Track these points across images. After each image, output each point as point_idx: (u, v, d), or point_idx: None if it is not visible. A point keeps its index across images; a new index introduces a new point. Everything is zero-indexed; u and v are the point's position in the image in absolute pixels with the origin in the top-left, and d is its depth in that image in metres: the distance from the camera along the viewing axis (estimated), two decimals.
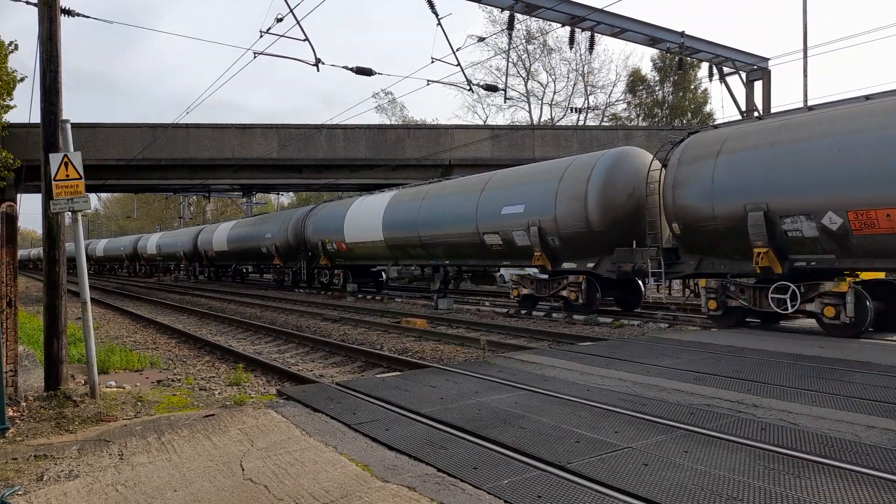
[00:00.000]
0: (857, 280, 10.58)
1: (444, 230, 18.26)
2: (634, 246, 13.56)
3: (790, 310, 10.67)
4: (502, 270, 17.98)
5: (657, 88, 45.91)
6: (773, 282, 10.88)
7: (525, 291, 16.40)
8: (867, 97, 10.27)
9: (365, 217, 22.27)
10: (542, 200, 15.01)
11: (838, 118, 10.13)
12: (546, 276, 15.82)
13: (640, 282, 13.97)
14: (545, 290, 15.75)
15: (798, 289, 10.58)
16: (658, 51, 29.38)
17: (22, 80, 21.53)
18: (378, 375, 7.44)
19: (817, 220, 10.00)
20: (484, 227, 16.64)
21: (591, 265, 14.58)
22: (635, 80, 46.51)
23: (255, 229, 31.47)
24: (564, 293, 15.13)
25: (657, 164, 13.32)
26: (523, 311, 16.28)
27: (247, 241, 32.11)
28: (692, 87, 44.22)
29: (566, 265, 15.14)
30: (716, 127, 12.55)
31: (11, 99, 21.63)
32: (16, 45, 21.01)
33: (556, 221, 14.72)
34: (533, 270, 16.58)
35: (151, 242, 49.11)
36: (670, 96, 45.39)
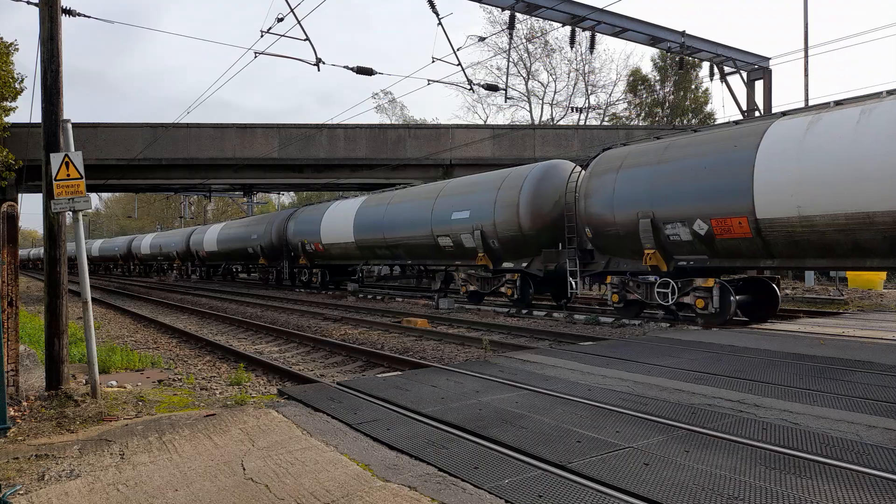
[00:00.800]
0: (731, 278, 12.64)
1: (405, 233, 20.24)
2: (560, 248, 15.41)
3: (670, 302, 12.73)
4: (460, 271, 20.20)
5: (658, 88, 45.86)
6: (661, 278, 13.00)
7: (472, 288, 18.43)
8: (736, 122, 12.38)
9: (339, 220, 24.18)
10: (484, 208, 17.04)
11: (710, 140, 12.05)
12: (489, 275, 17.73)
13: (572, 280, 15.52)
14: (488, 287, 17.85)
15: (676, 284, 12.64)
16: (658, 50, 29.37)
17: (22, 80, 21.55)
18: (379, 375, 7.44)
19: (690, 227, 11.97)
20: (438, 230, 18.68)
21: (524, 265, 16.61)
22: (636, 80, 46.48)
23: (243, 231, 33.13)
24: (503, 289, 17.19)
25: (575, 177, 15.49)
26: (471, 305, 18.38)
27: (235, 242, 33.69)
28: (693, 86, 44.18)
29: (505, 265, 17.11)
30: (624, 144, 14.43)
31: (14, 101, 21.68)
32: (16, 46, 21.03)
33: (495, 226, 16.73)
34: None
35: (145, 243, 50.53)
36: (671, 96, 45.34)
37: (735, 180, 11.11)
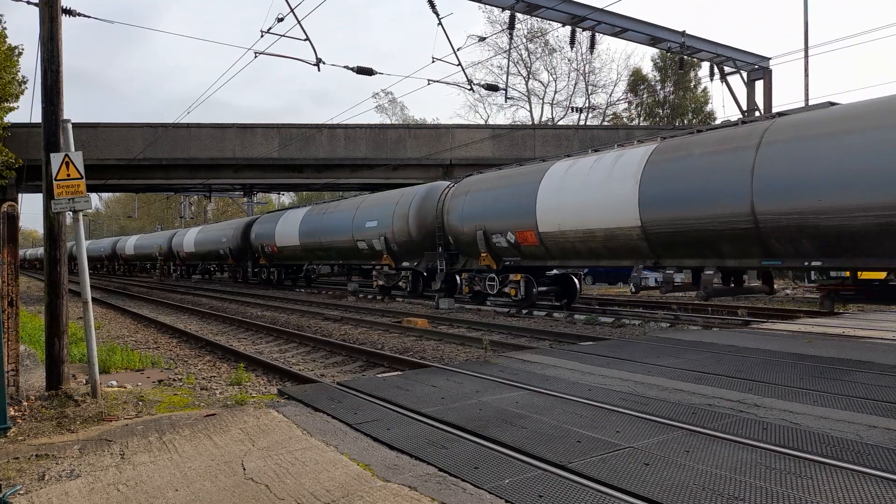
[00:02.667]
0: (555, 273, 17.67)
1: (336, 237, 24.80)
2: (440, 251, 19.59)
3: (495, 291, 17.59)
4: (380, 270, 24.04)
5: (658, 88, 45.84)
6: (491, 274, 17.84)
7: (380, 283, 22.76)
8: (543, 159, 17.33)
9: (289, 227, 28.53)
10: (387, 218, 21.34)
11: (519, 174, 16.98)
12: (393, 272, 22.04)
13: (456, 277, 19.82)
14: (392, 282, 22.26)
15: (500, 278, 17.42)
16: (658, 50, 29.36)
17: (24, 82, 21.56)
18: (379, 375, 7.44)
19: (505, 237, 16.55)
20: (357, 236, 23.18)
21: (415, 264, 20.87)
22: (636, 80, 46.45)
23: (216, 234, 37.45)
24: (402, 284, 21.76)
25: (444, 196, 19.70)
26: (380, 297, 22.23)
27: (209, 244, 37.76)
28: (693, 86, 44.17)
29: (404, 264, 21.37)
30: (479, 172, 19.33)
31: (16, 101, 21.69)
32: (21, 50, 21.02)
33: (393, 233, 21.06)
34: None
35: (129, 244, 54.12)
36: (671, 96, 45.32)
37: (527, 205, 15.70)
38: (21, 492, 3.78)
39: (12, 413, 5.62)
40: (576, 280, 17.95)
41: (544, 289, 17.18)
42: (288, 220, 28.77)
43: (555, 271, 17.55)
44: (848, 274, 12.38)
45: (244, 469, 4.01)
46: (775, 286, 21.99)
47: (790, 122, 11.08)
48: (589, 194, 13.94)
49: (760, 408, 5.13)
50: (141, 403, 6.28)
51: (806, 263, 10.90)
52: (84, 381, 7.23)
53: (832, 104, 11.31)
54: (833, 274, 11.75)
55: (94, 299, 11.98)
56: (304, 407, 5.59)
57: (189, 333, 13.56)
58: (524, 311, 16.37)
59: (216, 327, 15.65)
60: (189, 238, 40.97)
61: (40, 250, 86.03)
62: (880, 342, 8.65)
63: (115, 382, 7.64)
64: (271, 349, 11.97)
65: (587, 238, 14.26)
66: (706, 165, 11.71)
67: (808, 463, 3.81)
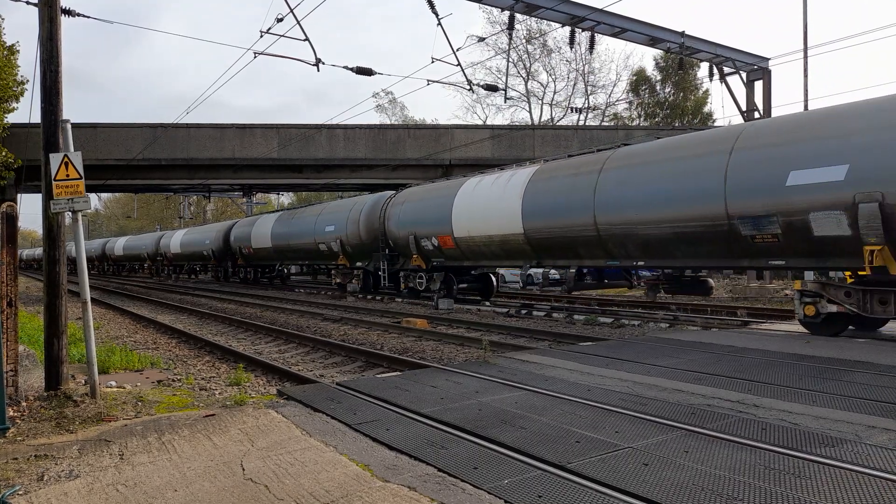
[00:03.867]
0: (481, 272, 20.72)
1: (301, 240, 27.64)
2: (383, 252, 22.31)
3: (422, 287, 20.47)
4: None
5: (659, 88, 45.84)
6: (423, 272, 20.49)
7: (338, 280, 26.43)
8: (467, 176, 19.90)
9: (262, 230, 31.52)
10: (342, 224, 24.25)
11: (437, 188, 20.10)
12: (348, 270, 25.40)
13: (400, 275, 22.06)
14: (347, 279, 25.67)
15: (428, 276, 20.17)
16: (661, 51, 29.37)
17: (23, 84, 21.53)
18: (378, 375, 7.44)
19: (430, 241, 19.18)
20: (318, 239, 25.94)
21: (366, 263, 23.87)
22: (639, 80, 46.44)
23: (200, 237, 40.25)
24: (354, 281, 24.99)
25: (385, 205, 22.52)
26: (352, 292, 24.67)
27: (194, 245, 40.50)
28: (693, 87, 44.16)
29: (357, 263, 24.46)
30: (417, 185, 22.24)
31: (18, 102, 21.67)
32: (17, 48, 20.99)
33: (347, 237, 23.90)
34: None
35: (119, 245, 56.73)
36: (671, 97, 45.32)
37: (445, 214, 18.43)
38: (20, 492, 3.78)
39: (11, 413, 5.62)
40: (493, 278, 21.47)
41: (465, 285, 20.60)
42: (262, 225, 32.00)
43: (474, 271, 20.63)
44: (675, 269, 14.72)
45: (243, 469, 4.01)
46: (775, 284, 22.05)
47: (622, 152, 13.83)
48: (489, 207, 16.92)
49: (760, 408, 5.13)
50: (140, 404, 6.27)
51: (634, 263, 13.65)
52: (83, 381, 7.22)
53: (657, 138, 14.56)
54: (666, 271, 14.34)
55: (92, 299, 11.97)
56: (303, 407, 5.59)
57: (188, 334, 13.55)
58: (524, 312, 16.38)
59: (215, 327, 15.65)
60: (175, 240, 43.76)
61: (38, 250, 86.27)
62: (880, 342, 8.65)
63: (114, 383, 7.64)
64: (270, 349, 11.97)
65: (489, 242, 17.18)
66: (567, 185, 14.48)
67: (807, 463, 3.82)
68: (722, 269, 14.52)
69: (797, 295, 10.10)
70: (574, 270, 15.15)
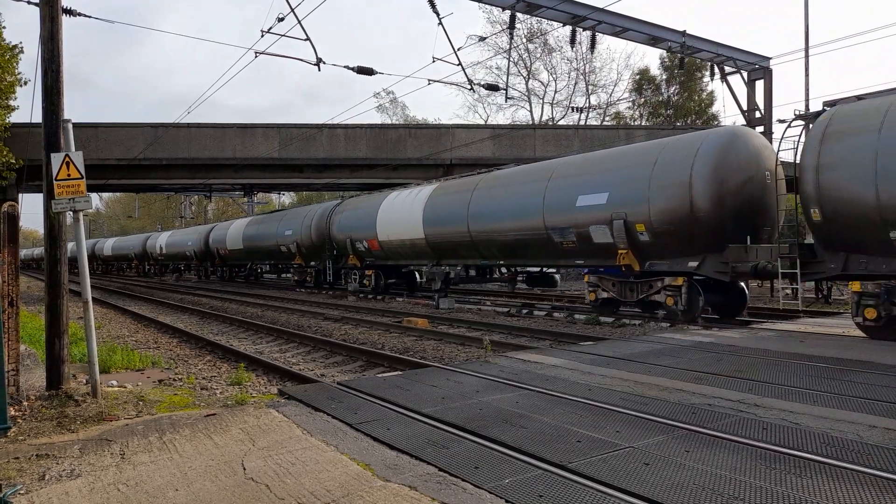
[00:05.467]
0: (405, 270, 23.75)
1: (266, 242, 31.16)
2: (328, 253, 25.96)
3: (357, 284, 24.02)
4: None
5: (663, 88, 45.76)
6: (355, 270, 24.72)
7: (296, 277, 29.89)
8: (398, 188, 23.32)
9: (236, 233, 35.10)
10: (298, 229, 27.86)
11: (371, 198, 23.47)
12: (304, 269, 28.92)
13: (342, 272, 26.00)
14: (302, 276, 29.31)
15: (362, 272, 23.74)
16: (665, 51, 29.34)
17: (26, 83, 21.55)
18: (379, 375, 7.44)
19: (362, 244, 22.68)
20: (279, 241, 29.50)
21: (316, 263, 27.68)
22: (643, 80, 46.36)
23: (182, 238, 43.58)
24: (308, 279, 28.85)
25: (337, 213, 25.40)
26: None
27: (177, 246, 43.85)
28: (698, 87, 44.07)
29: (311, 263, 28.04)
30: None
31: (15, 100, 21.67)
32: (21, 47, 21.02)
33: (302, 240, 27.49)
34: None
35: (108, 245, 60.66)
36: (676, 97, 45.24)
37: (372, 221, 21.82)
38: (21, 491, 3.79)
39: (13, 413, 5.63)
40: (417, 275, 24.03)
41: (393, 280, 23.65)
42: (236, 228, 35.52)
43: (403, 269, 23.73)
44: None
45: (244, 469, 4.02)
46: (774, 284, 22.01)
47: (488, 177, 17.98)
48: (402, 216, 20.39)
49: (760, 408, 5.13)
50: (141, 403, 6.28)
51: (497, 262, 17.79)
52: (84, 380, 7.23)
53: (517, 165, 18.33)
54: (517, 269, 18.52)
55: (94, 299, 11.99)
56: (304, 407, 5.59)
57: (189, 333, 13.56)
58: (524, 311, 16.38)
59: (216, 327, 15.66)
60: (161, 240, 47.38)
61: (36, 250, 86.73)
62: (880, 342, 8.64)
63: (115, 382, 7.65)
64: (271, 349, 11.98)
65: (403, 245, 20.65)
66: (452, 200, 18.45)
67: (808, 463, 3.81)
68: (550, 266, 17.77)
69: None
70: (459, 268, 19.14)
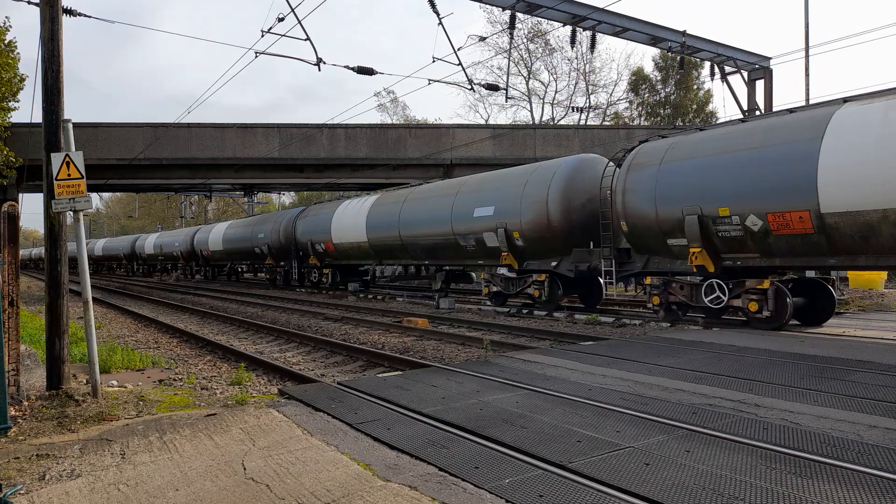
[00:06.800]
0: (362, 269, 26.56)
1: (243, 244, 34.26)
2: (293, 254, 29.07)
3: (316, 279, 27.78)
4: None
5: (660, 88, 45.76)
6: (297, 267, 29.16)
7: (267, 276, 33.75)
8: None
9: (216, 236, 38.54)
10: (269, 232, 30.82)
11: (327, 206, 26.84)
12: (274, 268, 32.27)
13: (304, 271, 29.04)
14: (272, 275, 32.86)
15: (319, 270, 27.57)
16: (660, 50, 29.34)
17: (23, 79, 21.55)
18: (379, 375, 7.44)
19: (321, 246, 26.00)
20: (254, 243, 32.53)
21: (286, 264, 30.63)
22: (638, 80, 46.37)
23: (170, 239, 46.87)
24: (278, 278, 32.19)
25: (301, 218, 28.51)
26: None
27: (166, 247, 47.16)
28: (695, 86, 44.08)
29: (281, 263, 31.12)
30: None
31: (17, 101, 21.68)
32: (14, 44, 21.01)
33: (272, 242, 30.46)
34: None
35: (98, 247, 63.56)
36: (673, 96, 45.23)
37: (328, 226, 25.32)
38: (22, 491, 3.79)
39: (13, 413, 5.63)
40: (375, 272, 26.17)
41: (348, 278, 26.62)
42: (217, 231, 38.89)
43: (361, 268, 26.25)
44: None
45: (245, 469, 4.01)
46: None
47: (416, 189, 21.09)
48: (351, 222, 23.70)
49: (761, 408, 5.13)
50: (141, 403, 6.28)
51: (423, 262, 20.79)
52: (85, 380, 7.23)
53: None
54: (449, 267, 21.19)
55: (94, 299, 11.99)
56: (304, 407, 5.59)
57: (189, 333, 13.55)
58: (525, 311, 16.38)
59: (216, 327, 15.66)
60: (150, 242, 50.90)
61: (34, 251, 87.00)
62: (880, 342, 8.65)
63: (115, 382, 7.65)
64: (272, 349, 11.97)
65: (352, 247, 23.87)
66: (389, 210, 21.38)
67: (808, 463, 3.81)
68: (459, 266, 20.43)
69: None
70: (399, 267, 22.87)
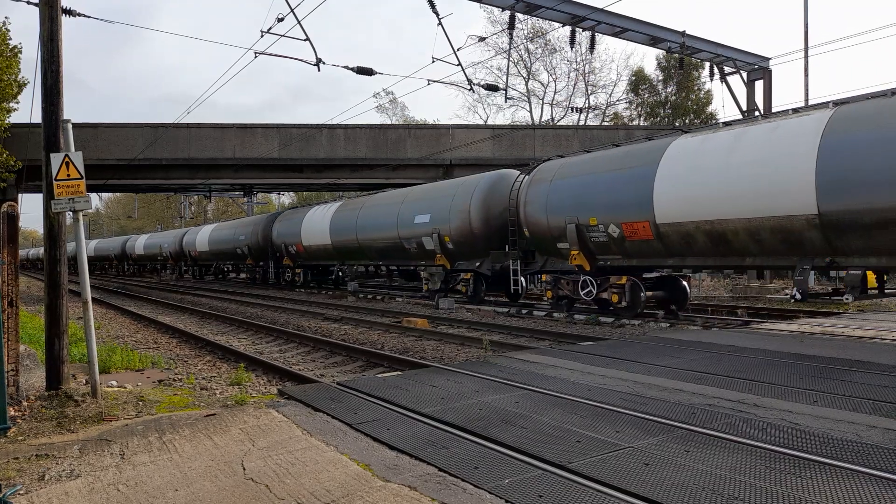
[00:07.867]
0: (332, 269, 29.03)
1: (226, 245, 36.56)
2: (270, 255, 32.34)
3: (289, 279, 31.63)
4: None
5: (660, 88, 45.74)
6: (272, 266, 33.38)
7: (248, 276, 36.94)
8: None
9: (202, 238, 40.47)
10: (248, 234, 33.31)
11: (302, 210, 30.54)
12: (255, 268, 34.91)
13: (279, 270, 32.35)
14: (252, 274, 35.73)
15: (292, 270, 31.30)
16: (662, 51, 29.34)
17: (22, 85, 21.56)
18: (379, 375, 7.44)
19: (293, 247, 29.19)
20: (236, 244, 34.86)
21: (264, 264, 33.43)
22: (638, 80, 46.35)
23: (159, 240, 49.30)
24: (257, 276, 35.13)
25: (277, 222, 31.72)
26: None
27: (154, 248, 49.41)
28: (695, 87, 44.06)
29: (260, 263, 33.81)
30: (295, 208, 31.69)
31: (17, 103, 21.69)
32: (20, 48, 21.02)
33: (251, 243, 33.00)
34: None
35: (90, 247, 64.90)
36: (673, 96, 45.22)
37: (298, 230, 28.29)
38: (21, 492, 3.79)
39: (12, 413, 5.62)
40: (341, 274, 27.99)
41: (321, 278, 29.70)
42: (204, 233, 41.14)
43: (331, 268, 28.16)
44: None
45: (244, 469, 4.01)
46: (775, 284, 22.04)
47: (371, 198, 24.02)
48: (317, 226, 26.60)
49: (760, 408, 5.13)
50: (141, 403, 6.28)
51: (378, 263, 23.77)
52: (84, 381, 7.23)
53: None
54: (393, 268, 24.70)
55: (93, 299, 11.98)
56: (304, 407, 5.59)
57: (189, 333, 13.55)
58: (524, 311, 16.39)
59: (216, 327, 15.65)
60: (140, 243, 53.24)
61: (31, 251, 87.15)
62: (880, 342, 8.65)
63: (115, 382, 7.65)
64: (271, 349, 11.97)
65: (318, 249, 26.85)
66: (349, 216, 24.31)
67: (808, 463, 3.81)
68: (406, 266, 22.77)
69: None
70: (363, 268, 25.88)
